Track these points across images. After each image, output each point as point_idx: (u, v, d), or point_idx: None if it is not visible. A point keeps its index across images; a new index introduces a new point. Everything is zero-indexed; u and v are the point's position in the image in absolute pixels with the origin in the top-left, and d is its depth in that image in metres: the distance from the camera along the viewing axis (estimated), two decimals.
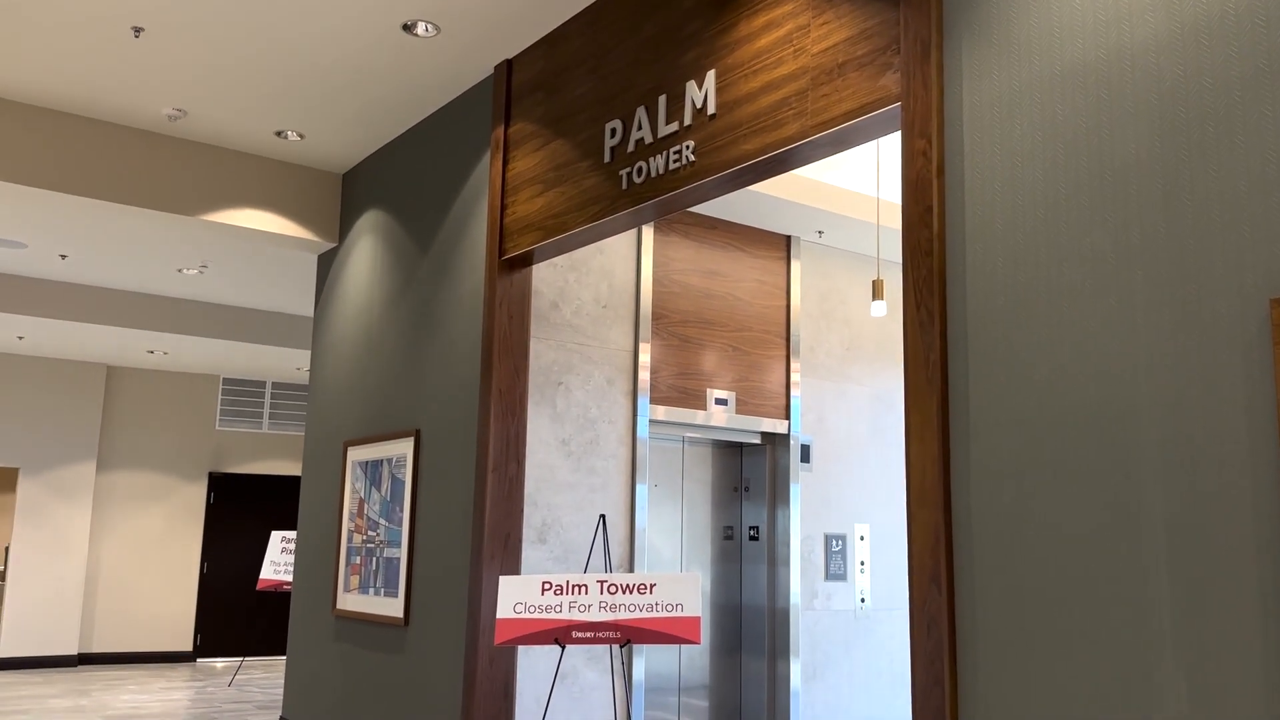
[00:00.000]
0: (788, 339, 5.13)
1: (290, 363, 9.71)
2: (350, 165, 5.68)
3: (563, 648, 3.69)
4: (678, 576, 3.71)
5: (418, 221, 4.88)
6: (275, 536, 8.15)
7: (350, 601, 5.03)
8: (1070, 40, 2.21)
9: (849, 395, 5.33)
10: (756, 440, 5.10)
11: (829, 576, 5.15)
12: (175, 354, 9.08)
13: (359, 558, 5.04)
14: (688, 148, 3.21)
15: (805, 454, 5.12)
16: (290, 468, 10.53)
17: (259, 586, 7.95)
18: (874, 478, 5.40)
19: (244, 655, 10.05)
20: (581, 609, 3.71)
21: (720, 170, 3.08)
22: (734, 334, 4.94)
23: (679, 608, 3.69)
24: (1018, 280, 2.26)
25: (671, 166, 3.27)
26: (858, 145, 2.79)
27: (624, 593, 3.71)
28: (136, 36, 4.09)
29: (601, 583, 3.73)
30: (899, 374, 5.61)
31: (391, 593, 4.68)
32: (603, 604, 3.71)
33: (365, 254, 5.38)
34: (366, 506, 5.03)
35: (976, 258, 2.35)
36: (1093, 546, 2.05)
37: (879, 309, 4.12)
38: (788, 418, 5.07)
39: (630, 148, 3.47)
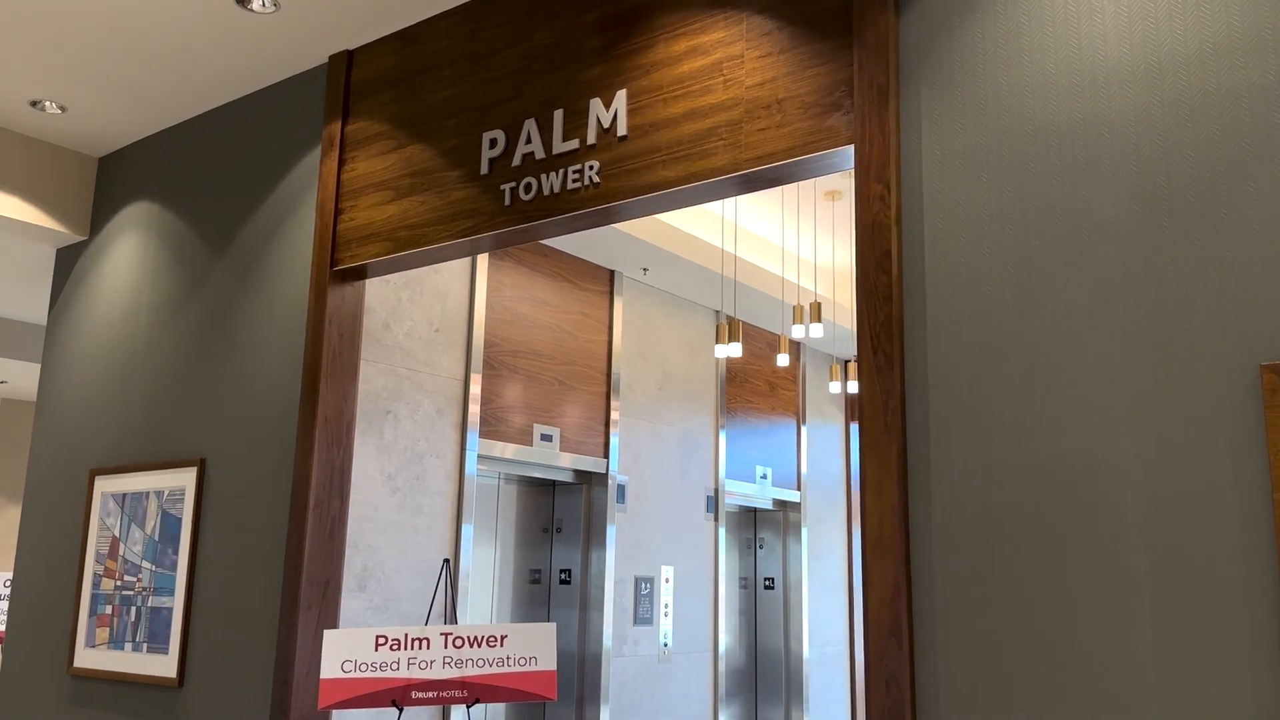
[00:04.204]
0: (609, 375, 5.00)
1: None
2: (113, 148, 4.90)
3: (400, 710, 3.29)
4: (531, 627, 3.43)
5: (210, 219, 4.27)
6: None
7: (95, 658, 4.25)
8: (1041, 101, 2.27)
9: (661, 435, 5.27)
10: (570, 479, 4.90)
11: (637, 620, 5.02)
12: None
13: (109, 606, 4.27)
14: (591, 168, 3.01)
15: (621, 494, 4.99)
16: None
17: None
18: (680, 520, 5.36)
19: None
20: (423, 666, 3.33)
21: (632, 195, 2.90)
22: (560, 367, 4.74)
23: (533, 661, 3.41)
24: (984, 331, 2.27)
25: (570, 186, 3.05)
26: (798, 182, 2.73)
27: (471, 646, 3.38)
28: None
29: (445, 635, 3.37)
30: (706, 416, 5.64)
31: (159, 648, 3.99)
32: (447, 659, 3.35)
33: (130, 252, 4.65)
34: (123, 547, 4.29)
35: (938, 306, 2.34)
36: (1070, 602, 2.07)
37: (732, 350, 4.09)
38: (607, 456, 4.92)
39: (516, 161, 3.20)
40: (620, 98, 2.99)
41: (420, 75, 3.59)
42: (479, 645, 3.38)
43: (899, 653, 2.23)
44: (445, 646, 3.35)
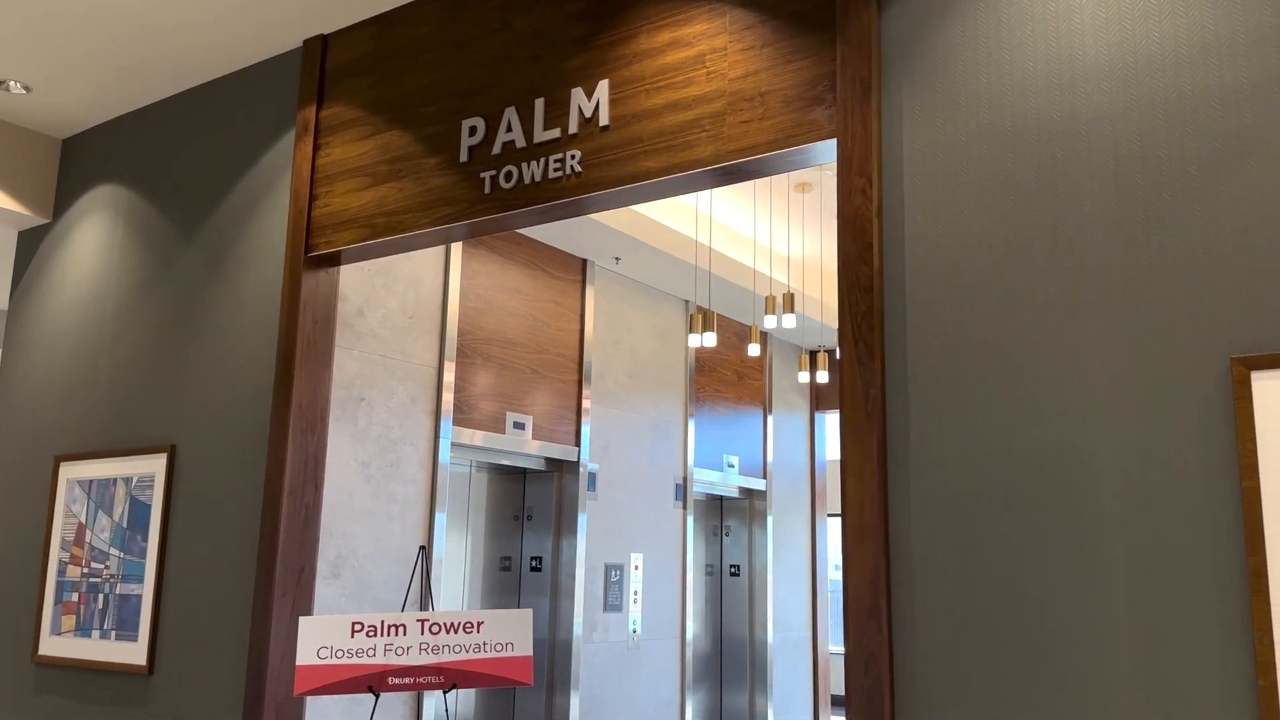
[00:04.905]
0: (580, 364, 5.02)
1: None
2: (77, 129, 4.82)
3: (376, 696, 3.30)
4: (508, 613, 3.45)
5: (179, 203, 4.23)
6: None
7: (61, 646, 4.20)
8: (1021, 98, 2.32)
9: (631, 423, 5.31)
10: (542, 467, 4.92)
11: (607, 607, 5.06)
12: None
13: (76, 594, 4.22)
14: (572, 157, 3.03)
15: (592, 482, 5.02)
16: None
17: None
18: (649, 507, 5.40)
19: None
20: (399, 652, 3.34)
21: (614, 185, 2.93)
22: (533, 355, 4.75)
23: (509, 647, 3.43)
24: (964, 322, 2.32)
25: (551, 175, 3.06)
26: (779, 174, 2.77)
27: (447, 632, 3.39)
28: None
29: (422, 622, 3.38)
30: (675, 405, 5.68)
31: (128, 636, 3.96)
32: (424, 645, 3.36)
33: (95, 235, 4.58)
34: (90, 534, 4.24)
35: (918, 298, 2.39)
36: (1046, 585, 2.13)
37: (707, 340, 4.13)
38: (578, 444, 4.94)
39: (496, 149, 3.21)
40: (602, 88, 3.01)
41: (398, 61, 3.57)
42: (455, 631, 3.39)
43: (878, 634, 2.29)
44: (422, 633, 3.36)
